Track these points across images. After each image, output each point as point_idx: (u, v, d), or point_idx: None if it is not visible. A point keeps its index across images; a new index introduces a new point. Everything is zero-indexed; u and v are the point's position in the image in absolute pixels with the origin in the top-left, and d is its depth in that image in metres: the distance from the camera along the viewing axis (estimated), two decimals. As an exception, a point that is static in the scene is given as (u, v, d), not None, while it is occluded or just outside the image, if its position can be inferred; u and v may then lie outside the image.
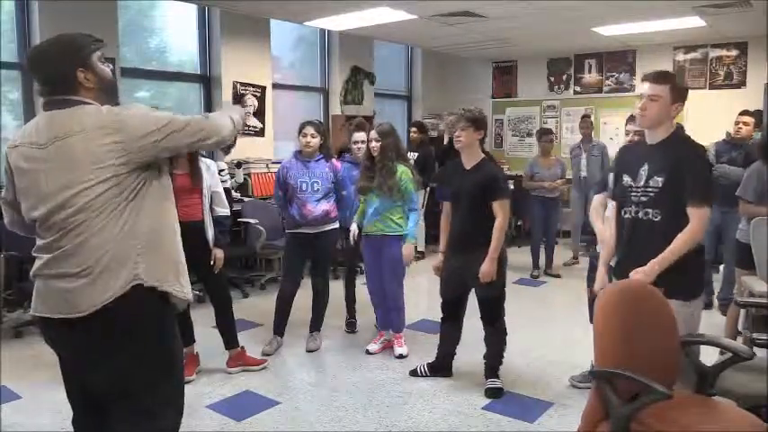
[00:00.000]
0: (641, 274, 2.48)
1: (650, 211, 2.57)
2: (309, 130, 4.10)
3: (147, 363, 1.86)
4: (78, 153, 1.78)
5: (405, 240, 4.01)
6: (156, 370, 1.89)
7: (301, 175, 4.10)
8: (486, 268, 3.37)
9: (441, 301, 3.71)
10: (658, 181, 2.54)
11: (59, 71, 1.85)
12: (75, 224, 1.79)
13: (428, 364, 3.78)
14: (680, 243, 2.47)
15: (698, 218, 2.47)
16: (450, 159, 7.45)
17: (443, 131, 7.93)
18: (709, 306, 4.72)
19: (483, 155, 3.51)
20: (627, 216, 2.66)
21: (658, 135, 2.59)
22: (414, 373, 3.78)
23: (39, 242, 1.87)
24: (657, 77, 2.56)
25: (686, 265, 2.49)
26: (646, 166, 2.59)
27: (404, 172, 4.00)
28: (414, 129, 7.20)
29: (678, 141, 2.58)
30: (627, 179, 2.67)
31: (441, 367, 3.76)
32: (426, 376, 3.73)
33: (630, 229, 2.66)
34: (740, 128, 4.96)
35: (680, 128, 2.63)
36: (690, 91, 2.89)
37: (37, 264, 1.86)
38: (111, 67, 1.97)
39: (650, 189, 2.56)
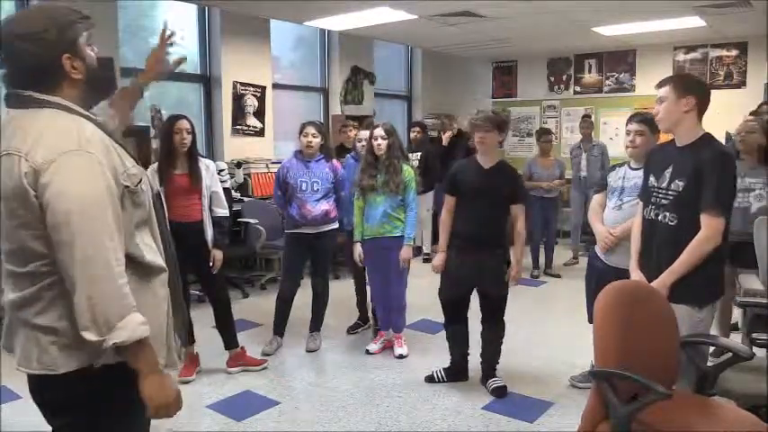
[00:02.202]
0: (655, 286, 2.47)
1: (668, 214, 2.53)
2: (311, 130, 4.10)
3: (113, 416, 1.53)
4: (14, 179, 1.36)
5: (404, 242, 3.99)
6: (121, 418, 1.55)
7: (301, 175, 4.10)
8: (517, 273, 3.46)
9: (442, 303, 3.61)
10: (679, 185, 2.50)
11: (40, 56, 1.41)
12: (24, 267, 1.41)
13: (444, 369, 3.68)
14: (687, 255, 2.44)
15: (708, 227, 2.41)
16: (451, 159, 7.46)
17: (443, 131, 7.92)
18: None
19: (499, 156, 3.54)
20: (646, 217, 2.65)
21: (684, 138, 2.55)
22: (430, 379, 3.67)
23: None
24: (660, 82, 2.59)
25: (695, 270, 2.44)
26: (670, 168, 2.56)
27: (408, 171, 4.01)
28: (416, 129, 7.19)
29: (704, 146, 2.50)
30: (652, 179, 2.65)
31: (457, 371, 3.66)
32: (443, 382, 3.64)
33: (648, 230, 2.65)
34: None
35: (709, 134, 2.56)
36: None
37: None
38: (97, 50, 1.55)
39: (671, 192, 2.53)
